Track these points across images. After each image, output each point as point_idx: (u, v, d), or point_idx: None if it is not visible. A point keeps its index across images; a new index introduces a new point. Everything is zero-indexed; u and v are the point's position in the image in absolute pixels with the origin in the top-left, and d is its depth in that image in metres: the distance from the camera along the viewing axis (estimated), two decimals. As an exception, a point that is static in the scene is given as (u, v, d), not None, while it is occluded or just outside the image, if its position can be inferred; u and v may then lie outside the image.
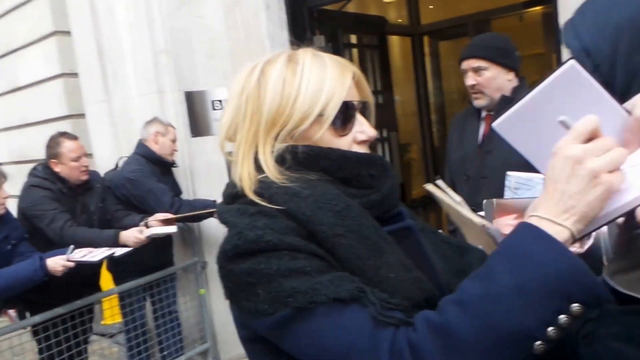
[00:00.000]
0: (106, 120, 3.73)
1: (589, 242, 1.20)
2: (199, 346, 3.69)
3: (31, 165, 4.68)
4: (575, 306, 0.64)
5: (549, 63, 5.82)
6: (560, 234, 0.66)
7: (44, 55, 4.46)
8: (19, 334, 2.75)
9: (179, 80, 3.54)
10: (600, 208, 0.67)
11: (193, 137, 3.63)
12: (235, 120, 0.87)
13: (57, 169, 3.03)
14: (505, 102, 2.14)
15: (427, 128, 6.47)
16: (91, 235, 2.98)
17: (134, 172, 3.20)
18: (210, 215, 3.25)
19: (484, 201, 1.62)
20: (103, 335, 4.27)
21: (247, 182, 0.83)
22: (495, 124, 0.73)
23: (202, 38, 3.55)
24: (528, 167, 2.10)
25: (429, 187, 1.65)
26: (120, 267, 3.21)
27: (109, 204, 3.21)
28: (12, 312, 3.16)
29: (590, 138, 0.66)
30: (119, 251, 2.89)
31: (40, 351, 2.82)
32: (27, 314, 2.93)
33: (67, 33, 4.10)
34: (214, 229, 3.57)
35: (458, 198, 1.61)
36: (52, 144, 3.06)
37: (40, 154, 4.59)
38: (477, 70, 2.18)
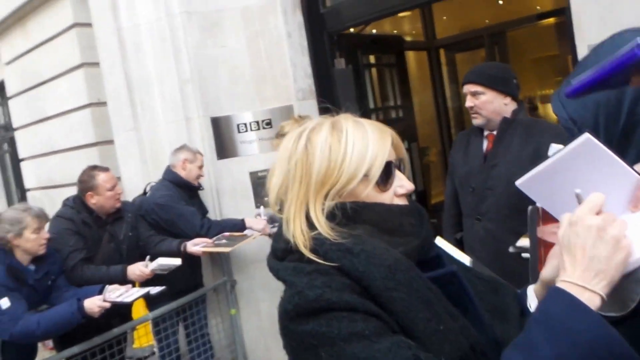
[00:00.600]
0: (135, 147, 3.83)
1: None
2: (231, 367, 3.74)
3: (58, 191, 4.85)
4: None
5: (564, 64, 5.93)
6: (592, 300, 0.74)
7: (72, 86, 4.59)
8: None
9: (204, 107, 3.65)
10: (623, 270, 0.75)
11: (219, 159, 3.73)
12: (285, 182, 0.94)
13: (93, 200, 3.09)
14: (506, 123, 2.41)
15: (445, 132, 6.51)
16: (100, 274, 3.00)
17: (164, 197, 3.29)
18: (241, 237, 3.31)
19: (529, 208, 1.67)
20: (131, 358, 4.32)
21: (300, 239, 0.88)
22: (518, 183, 0.84)
23: (226, 66, 3.66)
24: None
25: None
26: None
27: (142, 230, 3.30)
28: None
29: (600, 211, 0.76)
30: (153, 290, 2.95)
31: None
32: None
33: (94, 64, 4.23)
34: (242, 247, 3.65)
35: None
36: (87, 178, 3.11)
37: (67, 179, 4.76)
38: (474, 94, 2.42)
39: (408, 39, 6.23)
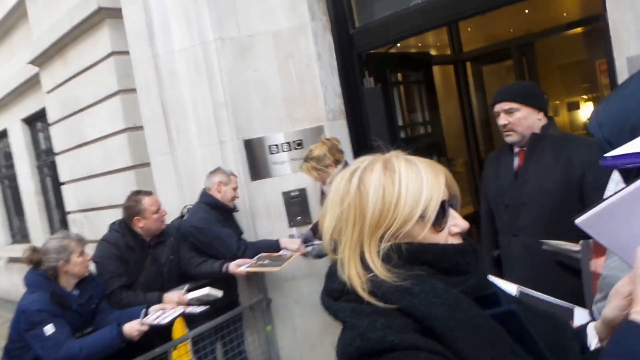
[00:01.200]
0: (171, 171, 3.93)
1: None
2: (268, 384, 3.78)
3: (97, 213, 4.98)
4: None
5: (591, 69, 5.93)
6: None
7: (109, 112, 4.75)
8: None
9: (237, 130, 3.74)
10: None
11: (253, 180, 3.81)
12: (338, 225, 0.93)
13: (141, 224, 3.19)
14: (535, 139, 2.43)
15: (473, 143, 6.47)
16: (137, 301, 3.09)
17: (201, 220, 3.36)
18: (283, 257, 3.36)
19: (581, 242, 1.69)
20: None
21: (357, 281, 0.87)
22: (578, 221, 0.81)
23: (258, 89, 3.74)
24: (563, 191, 2.18)
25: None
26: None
27: (183, 252, 3.37)
28: None
29: None
30: (189, 310, 3.03)
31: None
32: None
33: (130, 90, 4.38)
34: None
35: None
36: (132, 204, 3.21)
37: (106, 201, 4.91)
38: (508, 111, 2.43)
39: (434, 52, 6.23)
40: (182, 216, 3.62)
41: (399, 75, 4.50)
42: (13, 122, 7.85)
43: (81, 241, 2.92)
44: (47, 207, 7.59)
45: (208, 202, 3.43)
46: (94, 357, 2.74)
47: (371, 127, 3.77)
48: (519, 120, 2.41)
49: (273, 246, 3.45)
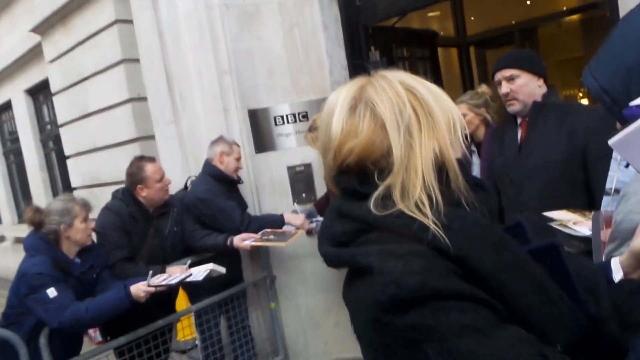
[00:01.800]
0: (175, 141, 3.85)
1: None
2: (272, 359, 3.77)
3: (103, 188, 4.95)
4: None
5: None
6: None
7: (112, 82, 4.67)
8: (106, 355, 2.85)
9: (242, 99, 3.65)
10: None
11: (257, 153, 3.74)
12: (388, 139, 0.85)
13: (144, 193, 3.06)
14: (537, 107, 2.35)
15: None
16: (138, 273, 2.92)
17: (205, 191, 3.28)
18: (288, 233, 3.31)
19: (593, 212, 1.67)
20: (175, 350, 4.40)
21: (425, 199, 0.77)
22: (611, 142, 0.75)
23: (263, 58, 3.65)
24: (567, 162, 2.12)
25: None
26: (194, 286, 3.24)
27: (187, 224, 3.29)
28: (91, 332, 3.27)
29: None
30: (193, 277, 2.90)
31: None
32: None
33: (134, 60, 4.30)
34: (279, 243, 3.68)
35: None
36: (136, 170, 3.07)
37: (111, 176, 4.86)
38: (509, 79, 2.38)
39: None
40: (186, 187, 3.55)
41: (405, 51, 4.44)
42: (16, 93, 7.78)
43: (86, 206, 2.77)
44: (52, 185, 7.54)
45: (212, 173, 3.35)
46: (101, 318, 2.64)
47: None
48: (520, 87, 2.36)
49: (277, 221, 3.39)
